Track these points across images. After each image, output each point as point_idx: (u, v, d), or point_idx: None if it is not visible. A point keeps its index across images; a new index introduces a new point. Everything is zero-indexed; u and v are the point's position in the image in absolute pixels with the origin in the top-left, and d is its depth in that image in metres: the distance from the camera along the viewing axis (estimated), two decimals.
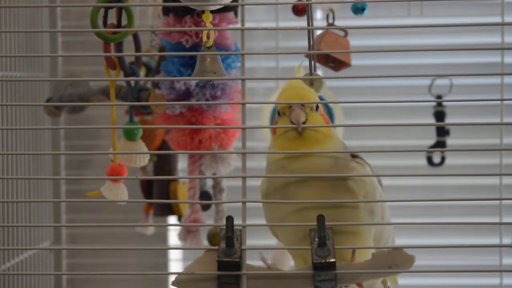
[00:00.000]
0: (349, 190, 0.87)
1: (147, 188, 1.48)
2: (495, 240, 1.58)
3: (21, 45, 1.47)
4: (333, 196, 0.85)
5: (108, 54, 0.97)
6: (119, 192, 1.02)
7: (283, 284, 0.82)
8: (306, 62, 0.94)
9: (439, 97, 1.56)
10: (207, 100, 1.14)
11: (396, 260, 0.81)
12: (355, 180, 0.87)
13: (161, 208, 1.47)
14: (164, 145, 1.41)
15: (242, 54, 0.83)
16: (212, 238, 1.29)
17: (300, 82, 0.90)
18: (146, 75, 1.41)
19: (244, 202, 0.83)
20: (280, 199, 0.88)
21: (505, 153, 1.52)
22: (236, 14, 1.16)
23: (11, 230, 1.40)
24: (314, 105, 0.88)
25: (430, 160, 1.58)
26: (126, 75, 1.01)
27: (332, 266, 0.80)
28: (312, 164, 0.86)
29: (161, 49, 1.33)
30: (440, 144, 1.55)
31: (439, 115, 1.56)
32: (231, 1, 0.90)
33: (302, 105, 0.87)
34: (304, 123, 0.86)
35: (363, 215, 0.87)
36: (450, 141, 1.56)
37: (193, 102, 1.14)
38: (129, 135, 1.03)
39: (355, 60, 1.24)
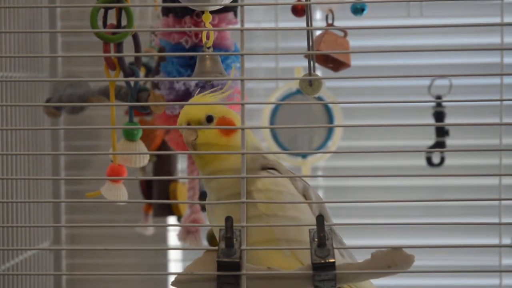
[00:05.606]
0: (251, 200, 0.87)
1: (147, 188, 1.48)
2: (494, 240, 1.58)
3: (21, 45, 1.47)
4: (236, 207, 0.84)
5: (108, 54, 0.97)
6: (119, 193, 1.02)
7: (283, 284, 0.82)
8: (305, 63, 0.94)
9: (438, 97, 1.56)
10: None
11: (396, 260, 0.81)
12: (258, 190, 0.87)
13: (160, 208, 1.47)
14: (163, 146, 1.41)
15: (242, 55, 0.83)
16: (212, 238, 1.29)
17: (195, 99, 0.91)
18: (146, 76, 1.41)
19: (244, 202, 0.83)
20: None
21: (505, 153, 1.52)
22: (235, 15, 1.16)
23: (11, 230, 1.40)
24: (204, 119, 0.89)
25: (429, 161, 1.58)
26: (125, 75, 1.01)
27: (332, 266, 0.80)
28: (222, 180, 0.87)
29: (161, 50, 1.33)
30: (439, 145, 1.55)
31: (439, 115, 1.56)
32: (231, 2, 0.90)
33: (189, 123, 0.88)
34: (195, 139, 0.88)
35: (266, 222, 0.87)
36: (449, 141, 1.56)
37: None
38: (129, 135, 1.03)
39: (355, 61, 1.24)
